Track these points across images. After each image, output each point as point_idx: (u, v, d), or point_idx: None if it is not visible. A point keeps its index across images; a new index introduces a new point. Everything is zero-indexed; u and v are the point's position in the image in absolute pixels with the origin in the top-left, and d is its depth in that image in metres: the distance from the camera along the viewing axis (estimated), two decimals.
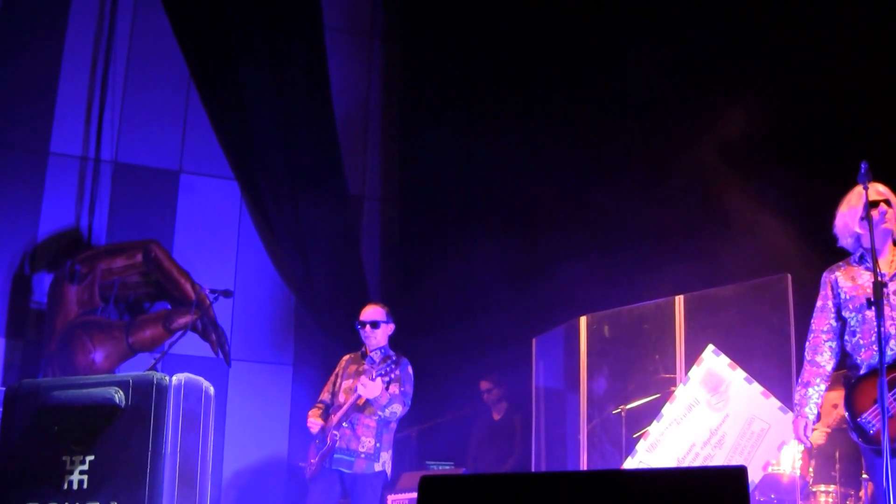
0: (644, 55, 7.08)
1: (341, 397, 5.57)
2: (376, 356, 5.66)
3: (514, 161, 8.05)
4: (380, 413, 5.42)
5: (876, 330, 3.87)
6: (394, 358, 5.53)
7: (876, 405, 3.93)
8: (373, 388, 5.31)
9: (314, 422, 5.55)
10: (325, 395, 5.76)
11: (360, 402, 5.43)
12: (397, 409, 5.45)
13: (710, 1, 6.95)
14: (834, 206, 4.35)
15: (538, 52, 8.20)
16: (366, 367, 5.60)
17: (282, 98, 8.71)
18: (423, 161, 8.96)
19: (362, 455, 5.43)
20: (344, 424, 5.44)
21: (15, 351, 7.75)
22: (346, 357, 5.84)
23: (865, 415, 3.99)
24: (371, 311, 5.73)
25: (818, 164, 6.06)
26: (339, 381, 5.71)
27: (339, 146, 8.88)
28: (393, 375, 5.44)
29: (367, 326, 5.67)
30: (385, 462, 5.50)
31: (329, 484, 5.46)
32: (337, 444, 5.41)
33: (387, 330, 5.72)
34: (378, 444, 5.47)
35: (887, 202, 4.14)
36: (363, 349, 5.73)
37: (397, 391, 5.47)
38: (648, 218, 7.06)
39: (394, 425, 5.60)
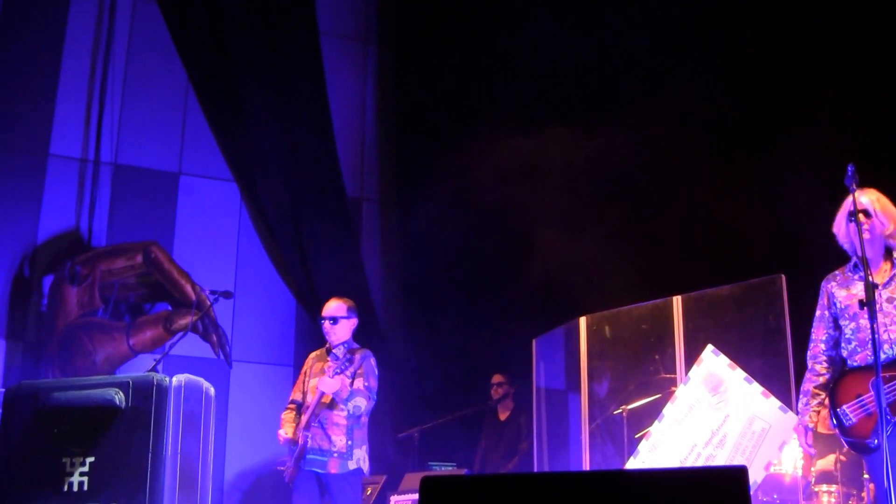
0: (645, 72, 7.12)
1: (309, 396, 5.58)
2: (339, 352, 5.67)
3: (510, 160, 8.06)
4: (343, 406, 5.43)
5: (869, 336, 3.89)
6: (354, 355, 5.53)
7: (857, 399, 4.02)
8: (332, 384, 5.35)
9: (282, 434, 5.56)
10: (297, 395, 5.77)
11: (326, 399, 5.44)
12: (361, 402, 5.45)
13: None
14: (825, 206, 4.37)
15: (532, 52, 8.20)
16: (330, 362, 5.60)
17: (279, 102, 8.73)
18: (419, 162, 8.97)
19: (335, 454, 5.44)
20: (314, 424, 5.45)
21: (15, 352, 7.75)
22: (313, 355, 5.87)
23: (845, 406, 4.04)
24: (331, 307, 5.75)
25: (812, 165, 6.08)
26: (307, 379, 5.73)
27: (336, 149, 8.90)
28: (352, 370, 5.45)
29: (327, 322, 5.70)
30: (360, 459, 5.51)
31: (308, 486, 5.47)
32: (309, 445, 5.42)
33: (348, 325, 5.73)
34: (350, 442, 5.47)
35: (866, 213, 4.13)
36: (327, 345, 5.76)
37: (361, 386, 5.49)
38: (645, 217, 7.08)
39: (365, 419, 5.60)
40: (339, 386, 5.36)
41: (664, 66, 7.30)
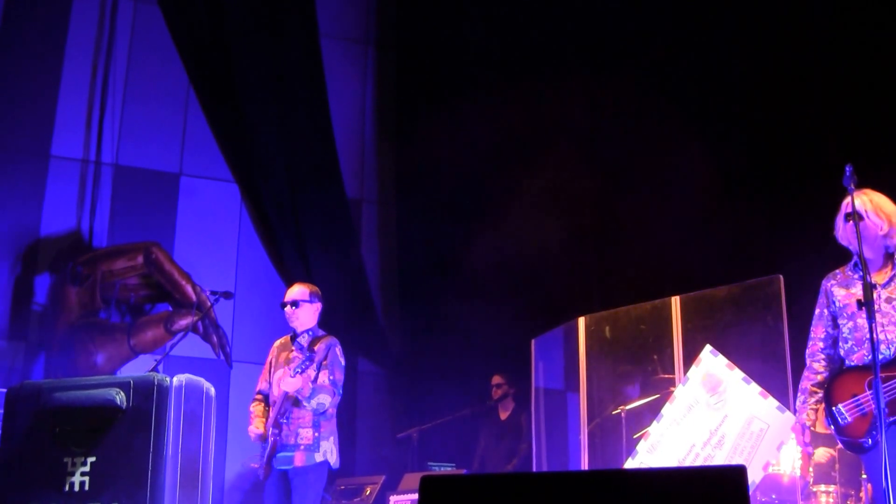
0: (632, 68, 7.13)
1: (275, 389, 5.46)
2: (304, 340, 5.53)
3: (508, 161, 8.09)
4: (306, 405, 5.32)
5: (867, 336, 3.90)
6: (318, 345, 5.43)
7: (853, 399, 4.03)
8: (293, 383, 5.26)
9: (253, 430, 5.46)
10: (263, 385, 5.65)
11: (291, 394, 5.36)
12: (325, 399, 5.32)
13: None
14: (824, 207, 4.39)
15: (531, 55, 8.23)
16: (295, 352, 5.49)
17: (279, 103, 8.75)
18: (419, 164, 8.99)
19: (301, 447, 5.32)
20: (282, 420, 5.35)
21: (16, 353, 7.76)
22: (277, 343, 5.72)
23: (841, 405, 4.06)
24: (293, 292, 5.60)
25: (810, 166, 6.09)
26: (273, 369, 5.60)
27: (336, 150, 8.91)
28: (316, 360, 5.34)
29: (288, 307, 5.55)
30: (327, 451, 5.37)
31: (278, 486, 5.38)
32: (279, 443, 5.33)
33: (312, 309, 5.58)
34: (317, 434, 5.35)
35: (858, 215, 4.14)
36: (292, 333, 5.62)
37: (326, 381, 5.36)
38: (645, 219, 7.09)
39: (332, 411, 5.45)
40: (300, 385, 5.26)
41: (665, 68, 7.32)
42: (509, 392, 7.73)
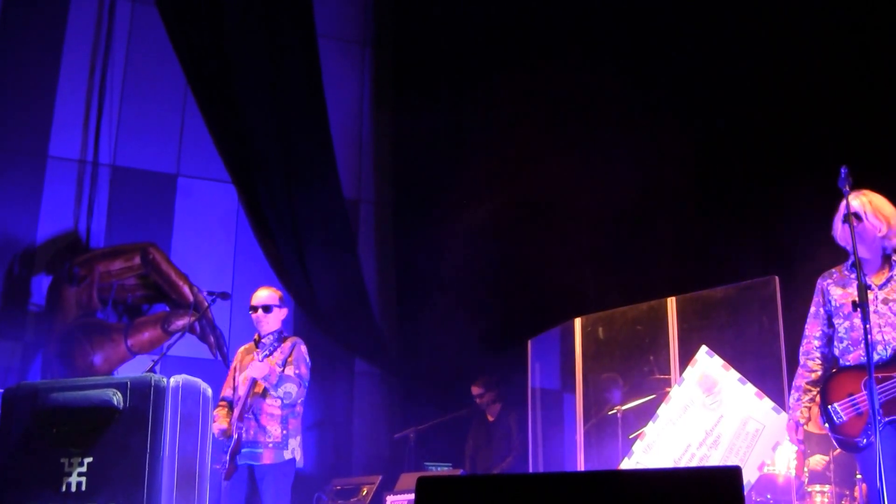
0: (627, 72, 7.15)
1: (241, 389, 5.43)
2: (268, 341, 5.53)
3: (506, 162, 8.10)
4: (273, 393, 5.30)
5: (861, 336, 3.92)
6: (284, 343, 5.45)
7: (849, 398, 4.06)
8: (260, 368, 5.26)
9: (216, 425, 5.39)
10: (227, 391, 5.63)
11: (258, 388, 5.33)
12: (291, 388, 5.32)
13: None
14: (820, 207, 4.40)
15: (529, 55, 8.24)
16: (259, 352, 5.49)
17: (277, 103, 8.76)
18: (416, 164, 9.01)
19: (269, 444, 5.32)
20: (248, 415, 5.33)
21: (13, 353, 7.76)
22: (242, 349, 5.74)
23: (836, 404, 4.08)
24: (263, 296, 5.62)
25: (806, 167, 6.11)
26: (237, 374, 5.59)
27: (333, 150, 8.92)
28: (282, 358, 5.36)
29: (259, 311, 5.56)
30: (294, 449, 5.38)
31: (241, 482, 5.35)
32: (243, 438, 5.31)
33: (280, 314, 5.62)
34: (285, 432, 5.35)
35: (857, 216, 4.15)
36: (256, 337, 5.63)
37: (292, 373, 5.37)
38: (640, 219, 7.11)
39: (300, 409, 5.46)
40: (267, 370, 5.26)
41: (662, 67, 7.33)
42: (494, 397, 7.71)
